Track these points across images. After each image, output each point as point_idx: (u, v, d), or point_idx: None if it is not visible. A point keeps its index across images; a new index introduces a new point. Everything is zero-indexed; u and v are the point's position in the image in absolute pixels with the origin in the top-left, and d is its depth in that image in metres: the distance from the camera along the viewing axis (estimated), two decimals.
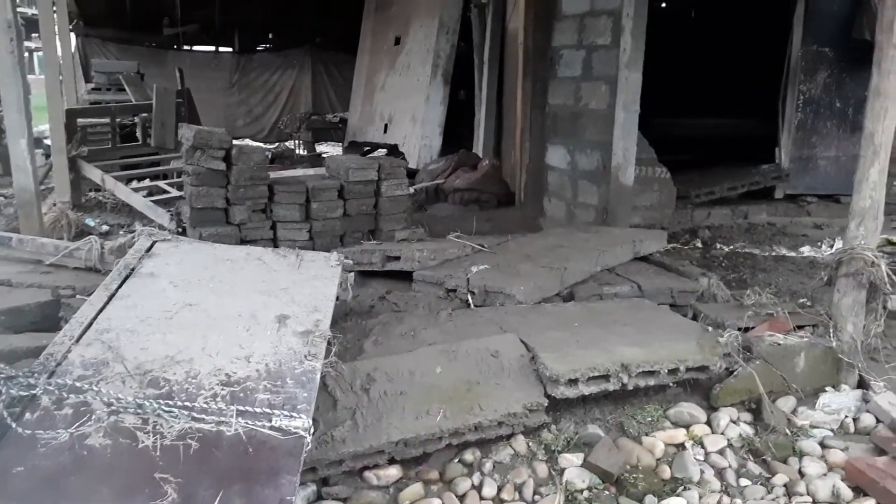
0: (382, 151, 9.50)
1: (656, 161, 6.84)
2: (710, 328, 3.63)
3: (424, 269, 4.28)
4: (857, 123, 7.60)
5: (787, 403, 3.36)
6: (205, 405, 2.44)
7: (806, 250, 6.44)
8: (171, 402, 2.43)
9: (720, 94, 9.40)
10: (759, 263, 6.00)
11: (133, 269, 3.31)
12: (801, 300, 4.06)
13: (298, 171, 6.40)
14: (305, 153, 11.31)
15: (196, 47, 12.09)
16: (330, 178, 5.31)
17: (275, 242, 5.01)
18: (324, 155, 10.98)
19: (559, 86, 6.15)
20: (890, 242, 6.76)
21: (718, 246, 6.44)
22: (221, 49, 12.22)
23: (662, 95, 9.65)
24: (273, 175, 5.28)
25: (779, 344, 3.41)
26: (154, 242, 3.54)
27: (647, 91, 9.67)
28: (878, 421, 3.29)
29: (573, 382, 3.01)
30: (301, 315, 3.07)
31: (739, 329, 3.64)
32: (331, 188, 5.12)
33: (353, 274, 3.76)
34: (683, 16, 10.17)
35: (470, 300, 3.99)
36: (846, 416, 3.31)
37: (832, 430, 3.26)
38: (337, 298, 3.70)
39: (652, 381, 3.18)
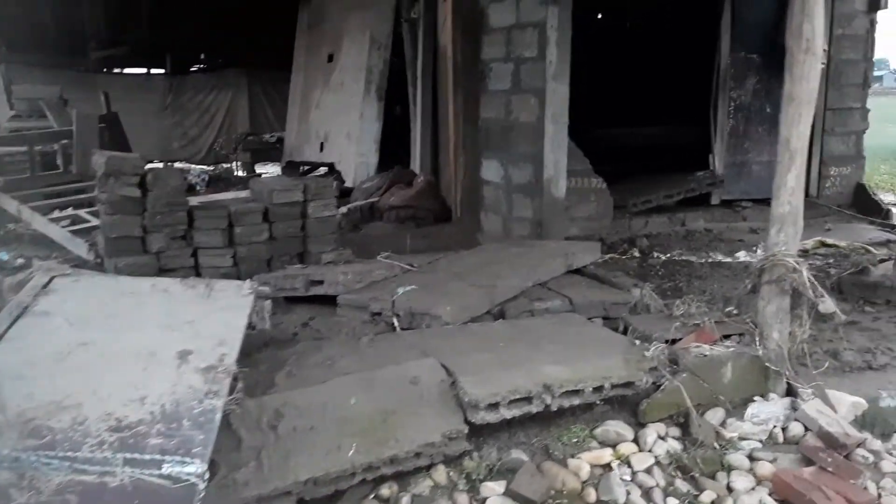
0: (324, 170, 9.36)
1: (592, 172, 6.82)
2: (637, 341, 3.56)
3: (349, 293, 4.14)
4: None
5: (715, 416, 3.30)
6: (89, 454, 2.27)
7: (741, 255, 6.46)
8: (51, 453, 2.25)
9: (658, 103, 9.46)
10: (696, 270, 5.99)
11: (26, 308, 3.10)
12: (728, 309, 4.02)
13: (229, 194, 6.22)
14: (244, 174, 11.08)
15: (127, 70, 11.78)
16: (254, 201, 5.14)
17: (196, 270, 4.82)
18: (263, 175, 10.78)
19: (490, 99, 6.08)
20: (824, 244, 6.85)
21: (656, 254, 6.42)
22: (153, 71, 11.94)
23: (601, 106, 9.73)
24: (194, 199, 5.10)
25: (705, 355, 3.35)
26: (52, 278, 3.34)
27: (585, 102, 9.76)
28: (806, 429, 3.25)
29: (494, 407, 2.90)
30: (205, 349, 2.91)
31: (667, 341, 3.59)
32: (255, 211, 4.95)
33: (269, 302, 3.60)
34: (619, 27, 10.27)
35: (396, 323, 3.86)
36: (775, 426, 3.26)
37: (761, 442, 3.20)
38: (253, 328, 3.55)
39: (577, 401, 3.09)
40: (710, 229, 7.29)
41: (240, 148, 10.55)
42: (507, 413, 2.93)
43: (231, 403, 2.71)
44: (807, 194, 7.71)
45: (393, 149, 8.04)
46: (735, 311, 3.87)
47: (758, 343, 3.46)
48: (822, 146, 7.76)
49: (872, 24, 7.72)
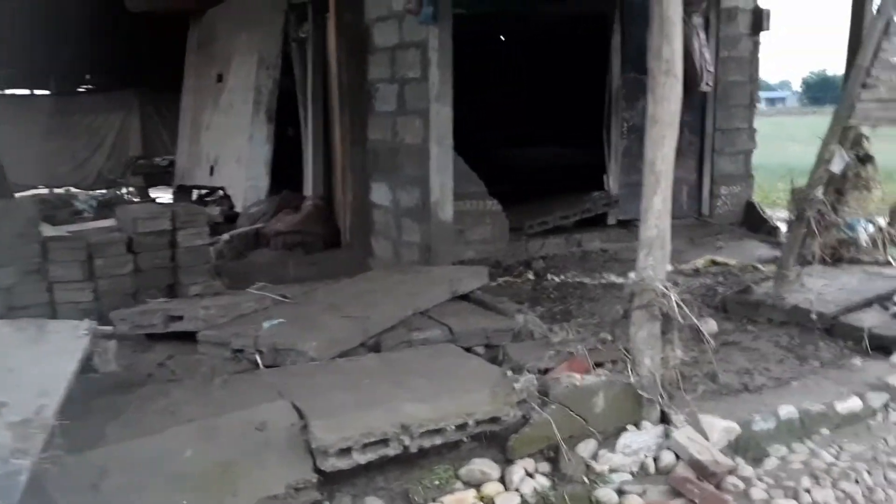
0: (221, 193, 9.00)
1: (486, 194, 6.74)
2: (510, 372, 3.42)
3: (211, 329, 3.87)
4: (680, 148, 7.52)
5: (587, 448, 3.17)
6: None
7: (634, 276, 6.46)
8: None
9: (559, 124, 9.49)
10: (589, 292, 5.95)
11: None
12: (602, 335, 3.94)
13: (99, 223, 5.83)
14: (138, 200, 10.58)
15: (8, 91, 11.11)
16: (119, 230, 4.81)
17: (52, 307, 4.45)
18: (157, 200, 10.32)
19: (378, 121, 5.93)
20: (715, 262, 6.94)
21: (550, 276, 6.35)
22: (37, 92, 11.30)
23: (502, 127, 9.72)
24: (51, 230, 4.73)
25: (576, 385, 3.24)
26: None
27: (486, 124, 9.76)
28: (678, 458, 3.17)
29: (346, 452, 2.70)
30: (22, 401, 2.60)
31: (541, 370, 3.47)
32: (117, 242, 4.62)
33: (114, 342, 3.30)
34: (522, 49, 10.27)
35: (259, 361, 3.62)
36: (646, 456, 3.17)
37: (632, 473, 3.10)
38: (95, 371, 3.25)
39: (439, 440, 2.91)
40: (606, 249, 7.30)
41: (129, 172, 10.06)
42: (361, 458, 2.73)
43: (45, 461, 2.42)
44: (699, 213, 8.04)
45: (287, 172, 7.78)
46: (609, 338, 3.79)
47: (630, 370, 3.37)
48: (713, 166, 7.91)
49: (756, 45, 7.95)
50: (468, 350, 4.17)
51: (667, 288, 3.33)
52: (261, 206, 6.81)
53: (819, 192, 4.75)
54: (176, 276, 4.84)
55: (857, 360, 4.24)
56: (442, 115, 5.10)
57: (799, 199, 4.86)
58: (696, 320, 3.34)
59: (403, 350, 3.82)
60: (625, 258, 7.07)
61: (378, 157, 6.00)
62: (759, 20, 7.80)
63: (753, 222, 8.08)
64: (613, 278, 6.38)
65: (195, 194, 9.52)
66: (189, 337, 4.03)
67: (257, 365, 3.60)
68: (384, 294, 4.40)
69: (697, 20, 7.44)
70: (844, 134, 4.60)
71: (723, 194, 8.00)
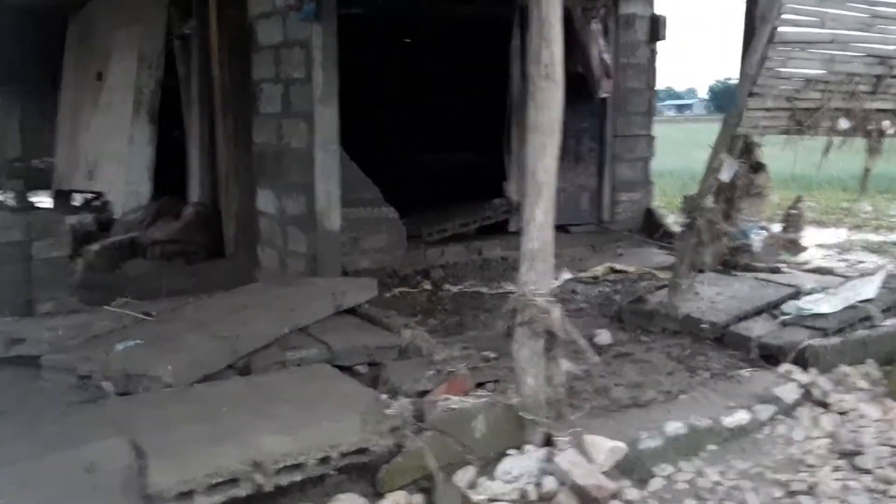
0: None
1: (382, 201, 6.49)
2: (384, 396, 3.18)
3: (57, 353, 3.47)
4: (580, 155, 7.81)
5: (465, 476, 2.96)
6: None
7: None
8: None
9: (467, 129, 9.31)
10: (485, 303, 5.78)
11: None
12: (485, 353, 3.76)
13: None
14: (17, 205, 9.79)
15: None
16: None
17: None
18: (37, 205, 9.58)
19: (263, 123, 5.59)
20: (614, 270, 6.91)
21: (447, 286, 6.16)
22: None
23: (409, 132, 9.48)
24: None
25: (452, 408, 3.02)
26: None
27: (392, 128, 9.51)
28: (560, 483, 2.99)
29: (187, 496, 2.39)
30: None
31: (419, 393, 3.25)
32: None
33: None
34: (427, 53, 10.03)
35: (108, 388, 3.25)
36: (528, 483, 2.98)
37: (513, 502, 2.91)
38: None
39: (299, 476, 2.64)
40: (506, 257, 7.15)
41: (2, 175, 9.30)
42: (206, 501, 2.43)
43: None
44: (600, 220, 8.01)
45: (173, 177, 7.31)
46: (493, 356, 3.61)
47: (513, 390, 3.19)
48: (613, 172, 7.91)
49: (653, 53, 8.00)
50: (349, 369, 3.93)
51: (550, 303, 3.16)
52: (137, 213, 6.35)
53: (709, 201, 4.70)
54: (31, 292, 4.39)
55: (746, 372, 4.20)
56: (327, 118, 4.82)
57: (689, 208, 4.81)
58: (579, 337, 3.18)
59: (274, 372, 3.53)
60: None
61: (264, 162, 5.66)
62: (656, 28, 7.85)
63: (653, 229, 8.12)
64: (511, 288, 6.24)
65: (80, 199, 8.90)
66: (35, 362, 3.63)
67: (106, 393, 3.23)
68: (261, 309, 4.09)
69: (596, 26, 7.41)
70: (733, 142, 4.56)
71: (623, 201, 8.01)
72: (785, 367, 4.17)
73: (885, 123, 4.70)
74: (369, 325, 4.37)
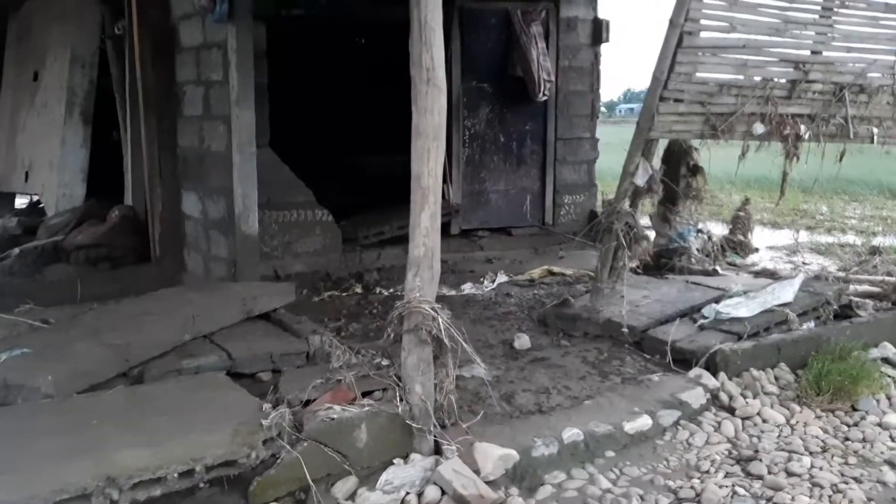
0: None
1: (316, 203, 6.44)
2: (268, 405, 3.13)
3: None
4: (522, 157, 7.79)
5: (345, 487, 2.92)
6: None
7: (467, 288, 6.32)
8: None
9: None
10: None
11: None
12: (378, 360, 3.72)
13: None
14: None
15: None
16: None
17: None
18: None
19: (186, 125, 5.51)
20: (551, 273, 6.89)
21: (379, 290, 6.11)
22: None
23: (354, 134, 9.42)
24: None
25: (332, 418, 2.97)
26: None
27: (337, 129, 9.43)
28: (443, 493, 2.96)
29: None
30: None
31: (304, 402, 3.19)
32: None
33: None
34: (368, 54, 9.92)
35: None
36: (408, 493, 2.94)
37: None
38: None
39: (159, 491, 2.58)
40: (446, 260, 7.05)
41: None
42: None
43: None
44: (543, 222, 7.99)
45: (110, 180, 7.19)
46: (385, 363, 3.56)
47: (400, 398, 3.15)
48: (556, 175, 7.90)
49: (597, 56, 7.99)
50: (252, 377, 3.88)
51: (436, 310, 3.12)
52: (63, 216, 6.23)
53: (626, 205, 4.70)
54: None
55: (657, 376, 4.19)
56: (243, 121, 4.75)
57: (607, 212, 4.80)
58: (465, 343, 3.14)
59: (163, 382, 3.46)
60: (462, 269, 6.93)
61: (188, 165, 5.58)
62: (598, 31, 7.85)
63: (596, 231, 8.09)
64: (444, 291, 6.20)
65: (26, 202, 8.75)
66: None
67: None
68: (164, 316, 4.01)
69: (536, 29, 7.40)
70: (648, 146, 4.55)
71: (566, 203, 8.00)
72: (695, 372, 4.17)
73: (802, 128, 4.71)
74: (280, 331, 4.31)
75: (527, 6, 7.38)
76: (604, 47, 8.02)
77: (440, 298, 5.92)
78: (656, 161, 4.82)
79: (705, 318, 4.81)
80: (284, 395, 3.22)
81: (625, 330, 4.72)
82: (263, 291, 4.56)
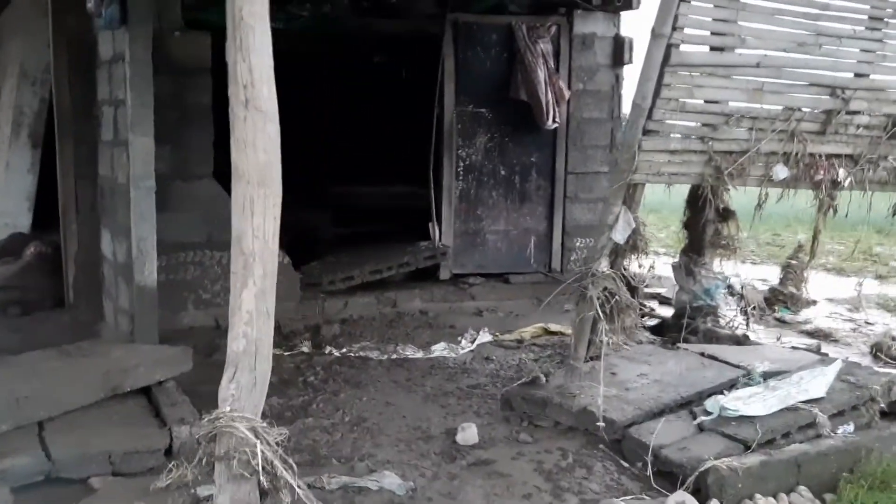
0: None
1: None
2: None
3: None
4: (526, 193, 6.80)
5: None
6: None
7: (439, 349, 5.31)
8: None
9: (402, 160, 8.36)
10: (364, 373, 4.78)
11: None
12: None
13: None
14: None
15: None
16: None
17: None
18: None
19: (103, 151, 4.74)
20: (547, 331, 5.85)
21: (329, 350, 5.17)
22: None
23: (346, 162, 8.56)
24: None
25: None
26: None
27: (327, 157, 8.59)
28: None
29: None
30: None
31: None
32: None
33: None
34: (353, 74, 9.08)
35: None
36: None
37: None
38: None
39: None
40: (426, 311, 6.15)
41: None
42: None
43: None
44: (549, 269, 6.94)
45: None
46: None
47: None
48: (566, 214, 6.87)
49: (618, 79, 6.96)
50: (84, 482, 2.99)
51: (257, 431, 2.17)
52: None
53: (604, 266, 3.66)
54: None
55: (625, 501, 3.14)
56: (139, 148, 3.92)
57: (581, 274, 3.77)
58: (292, 479, 2.17)
59: None
60: (442, 323, 5.94)
61: (105, 198, 4.79)
62: (620, 50, 6.82)
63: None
64: (409, 352, 5.23)
65: None
66: None
67: None
68: None
69: (545, 47, 6.45)
70: (631, 193, 3.52)
71: (578, 247, 6.95)
72: (676, 498, 3.09)
73: (840, 172, 3.60)
74: (148, 416, 3.43)
75: (533, 20, 6.43)
76: (626, 69, 6.98)
77: (402, 362, 5.06)
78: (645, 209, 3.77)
79: (708, 413, 3.73)
80: None
81: (600, 424, 3.68)
82: (144, 359, 3.69)
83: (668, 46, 3.10)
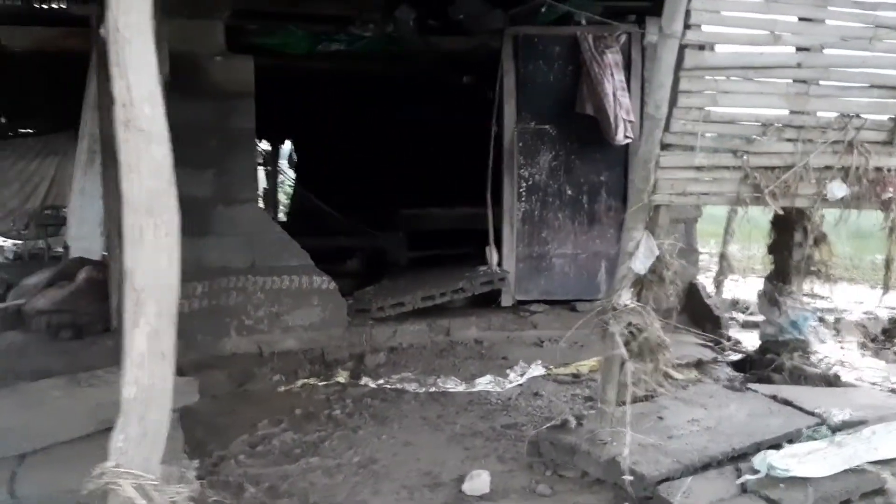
0: None
1: (314, 268, 5.47)
2: None
3: None
4: (596, 214, 6.33)
5: None
6: None
7: (483, 382, 4.96)
8: None
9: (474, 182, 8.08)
10: (394, 407, 4.50)
11: None
12: None
13: None
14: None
15: None
16: None
17: None
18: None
19: None
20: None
21: (365, 381, 4.93)
22: None
23: (409, 185, 8.36)
24: None
25: None
26: None
27: (397, 180, 8.42)
28: None
29: None
30: None
31: None
32: None
33: None
34: (421, 96, 8.86)
35: None
36: None
37: None
38: None
39: None
40: (482, 340, 5.79)
41: (32, 223, 9.27)
42: None
43: None
44: None
45: None
46: None
47: None
48: None
49: None
50: None
51: (146, 490, 1.94)
52: (44, 274, 5.73)
53: (625, 299, 3.22)
54: None
55: None
56: None
57: (601, 308, 3.34)
58: None
59: None
60: (496, 354, 5.58)
61: None
62: None
63: (697, 310, 6.41)
64: (450, 386, 4.91)
65: None
66: None
67: None
68: None
69: (613, 58, 6.00)
70: (653, 216, 3.07)
71: None
72: None
73: None
74: None
75: (600, 30, 5.99)
76: None
77: (440, 396, 4.75)
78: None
79: (756, 471, 3.20)
80: None
81: (627, 478, 3.23)
82: None
83: (682, 48, 2.66)
